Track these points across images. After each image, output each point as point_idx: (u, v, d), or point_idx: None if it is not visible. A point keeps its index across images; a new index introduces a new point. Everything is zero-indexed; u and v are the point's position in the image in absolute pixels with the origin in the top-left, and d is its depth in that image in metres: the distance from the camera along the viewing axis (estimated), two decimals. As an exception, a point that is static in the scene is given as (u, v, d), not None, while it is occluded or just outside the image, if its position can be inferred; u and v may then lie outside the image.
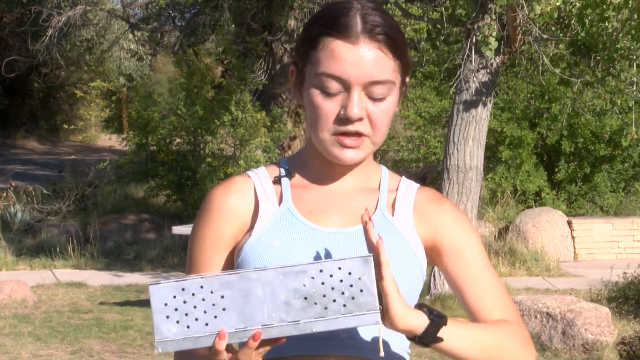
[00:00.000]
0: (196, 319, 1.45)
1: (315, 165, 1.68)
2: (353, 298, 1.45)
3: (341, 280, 1.45)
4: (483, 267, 1.67)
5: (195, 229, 1.69)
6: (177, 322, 1.45)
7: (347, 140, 1.60)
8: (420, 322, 1.51)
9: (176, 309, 1.45)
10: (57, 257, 11.07)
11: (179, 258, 11.35)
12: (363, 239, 1.59)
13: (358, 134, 1.60)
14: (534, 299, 7.57)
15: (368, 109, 1.59)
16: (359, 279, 1.46)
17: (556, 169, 13.95)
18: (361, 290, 1.46)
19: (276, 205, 1.66)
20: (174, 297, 1.45)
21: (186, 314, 1.45)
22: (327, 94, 1.59)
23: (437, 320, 1.52)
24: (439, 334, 1.52)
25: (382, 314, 1.47)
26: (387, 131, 1.64)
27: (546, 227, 12.10)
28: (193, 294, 1.45)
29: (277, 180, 1.69)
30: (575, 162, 14.00)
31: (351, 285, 1.45)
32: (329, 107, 1.59)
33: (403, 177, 1.75)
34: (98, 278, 10.17)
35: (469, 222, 1.72)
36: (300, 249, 1.60)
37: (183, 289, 1.45)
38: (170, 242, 12.15)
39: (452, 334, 1.53)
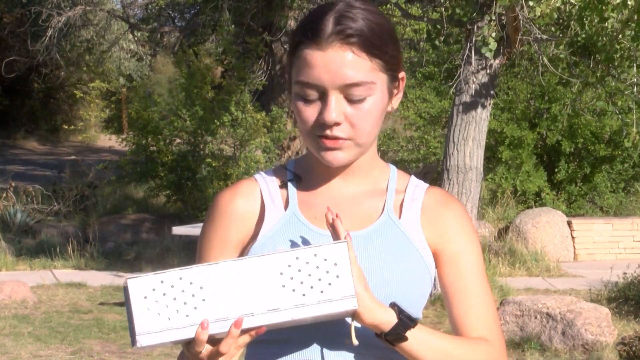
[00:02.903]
0: (177, 311, 1.45)
1: (319, 169, 1.68)
2: (330, 284, 1.46)
3: (317, 267, 1.46)
4: (477, 282, 1.67)
5: (203, 232, 1.70)
6: (158, 314, 1.45)
7: (329, 143, 1.60)
8: (388, 318, 1.52)
9: (156, 302, 1.45)
10: (57, 258, 11.07)
11: (178, 258, 11.34)
12: (368, 242, 1.61)
13: (336, 138, 1.59)
14: (534, 299, 7.57)
15: (346, 112, 1.58)
16: (335, 264, 1.47)
17: (556, 169, 13.95)
18: (337, 276, 1.46)
19: (282, 210, 1.66)
20: (153, 289, 1.45)
21: (166, 306, 1.45)
22: (306, 100, 1.60)
23: (406, 321, 1.53)
24: (410, 338, 1.53)
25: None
26: (374, 131, 1.62)
27: (546, 227, 12.10)
28: (172, 286, 1.45)
29: (283, 185, 1.69)
30: (575, 163, 14.00)
31: (327, 272, 1.46)
32: (309, 113, 1.60)
33: (412, 176, 1.73)
34: (98, 278, 10.17)
35: (473, 231, 1.71)
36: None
37: (162, 282, 1.45)
38: (170, 243, 12.15)
39: (418, 338, 1.54)
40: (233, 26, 13.18)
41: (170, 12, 20.44)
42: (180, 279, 1.45)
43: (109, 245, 12.29)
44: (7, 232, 12.37)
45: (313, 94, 1.59)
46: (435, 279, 1.70)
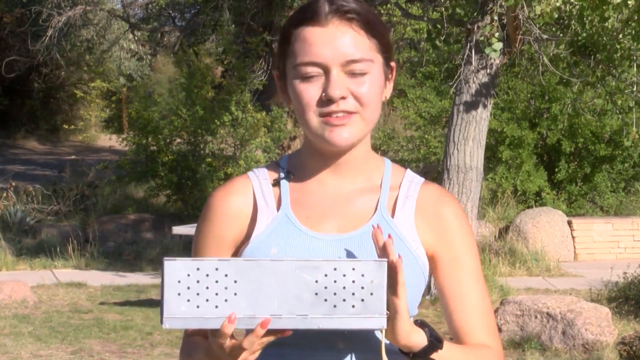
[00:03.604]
0: (207, 300, 1.45)
1: (313, 166, 1.66)
2: (363, 300, 1.46)
3: (353, 281, 1.46)
4: (476, 287, 1.66)
5: (198, 232, 1.70)
6: (188, 300, 1.46)
7: (335, 120, 1.57)
8: (420, 340, 1.53)
9: (188, 288, 1.46)
10: (57, 257, 11.07)
11: (179, 258, 11.34)
12: (359, 244, 1.60)
13: (345, 112, 1.57)
14: (534, 299, 7.57)
15: (350, 88, 1.58)
16: (371, 282, 1.46)
17: (556, 169, 13.95)
18: (371, 294, 1.46)
19: (274, 211, 1.64)
20: (188, 275, 1.46)
21: (197, 294, 1.46)
22: (308, 81, 1.58)
23: (435, 343, 1.54)
24: (432, 356, 1.54)
25: (387, 326, 1.48)
26: (377, 108, 1.61)
27: (546, 227, 12.10)
28: (207, 275, 1.46)
29: (276, 183, 1.67)
30: (576, 162, 13.99)
31: (362, 288, 1.46)
32: (311, 92, 1.58)
33: (407, 170, 1.72)
34: (98, 278, 10.17)
35: (470, 232, 1.69)
36: (297, 257, 1.59)
37: (198, 269, 1.46)
38: (170, 242, 12.15)
39: (441, 357, 1.55)
40: (233, 26, 13.19)
41: (171, 11, 20.45)
42: (217, 269, 1.46)
43: (109, 245, 12.29)
44: (7, 231, 12.37)
45: (314, 72, 1.57)
46: (431, 279, 1.70)
